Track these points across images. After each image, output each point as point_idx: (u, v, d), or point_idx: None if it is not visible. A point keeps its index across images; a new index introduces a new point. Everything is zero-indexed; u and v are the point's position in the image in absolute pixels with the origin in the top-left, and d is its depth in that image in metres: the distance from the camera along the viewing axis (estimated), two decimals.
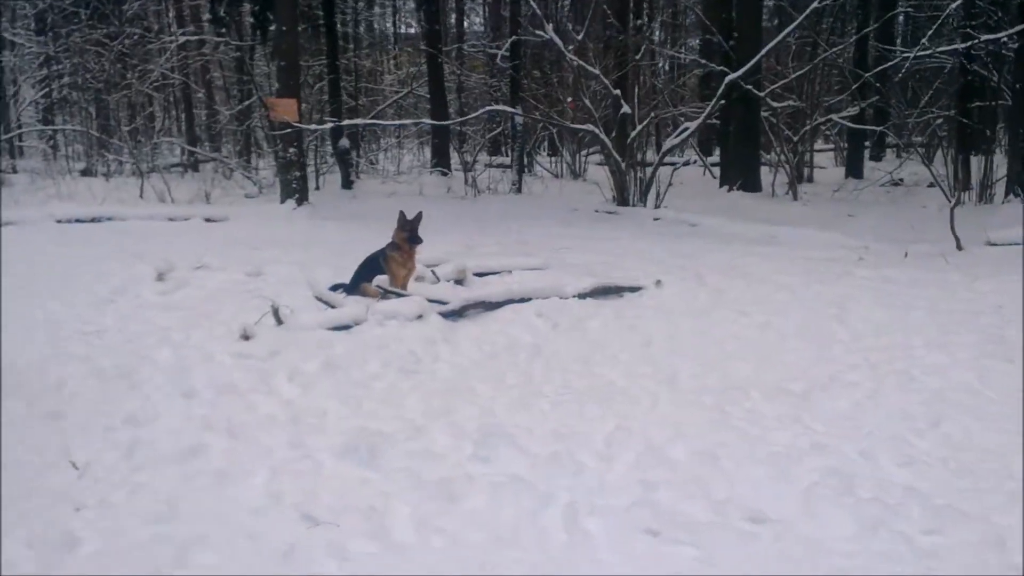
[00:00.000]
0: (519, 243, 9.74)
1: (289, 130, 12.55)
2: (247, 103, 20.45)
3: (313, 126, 15.32)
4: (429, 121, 16.76)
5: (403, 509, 3.11)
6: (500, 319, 5.87)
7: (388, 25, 34.60)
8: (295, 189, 12.78)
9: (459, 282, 6.94)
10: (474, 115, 17.94)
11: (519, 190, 16.91)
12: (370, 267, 6.35)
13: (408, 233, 6.18)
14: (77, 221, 11.02)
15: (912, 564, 2.76)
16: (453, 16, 29.94)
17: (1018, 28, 12.47)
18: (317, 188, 16.04)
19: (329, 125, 15.78)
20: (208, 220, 11.45)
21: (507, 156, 21.39)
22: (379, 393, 4.37)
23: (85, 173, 19.66)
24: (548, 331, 5.68)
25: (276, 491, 3.25)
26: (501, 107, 17.41)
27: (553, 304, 6.15)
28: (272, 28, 14.47)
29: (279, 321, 5.25)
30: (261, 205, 13.42)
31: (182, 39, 21.08)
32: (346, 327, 5.35)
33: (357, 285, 6.27)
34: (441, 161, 20.26)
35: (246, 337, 5.01)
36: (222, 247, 8.62)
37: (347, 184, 17.15)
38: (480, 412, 4.11)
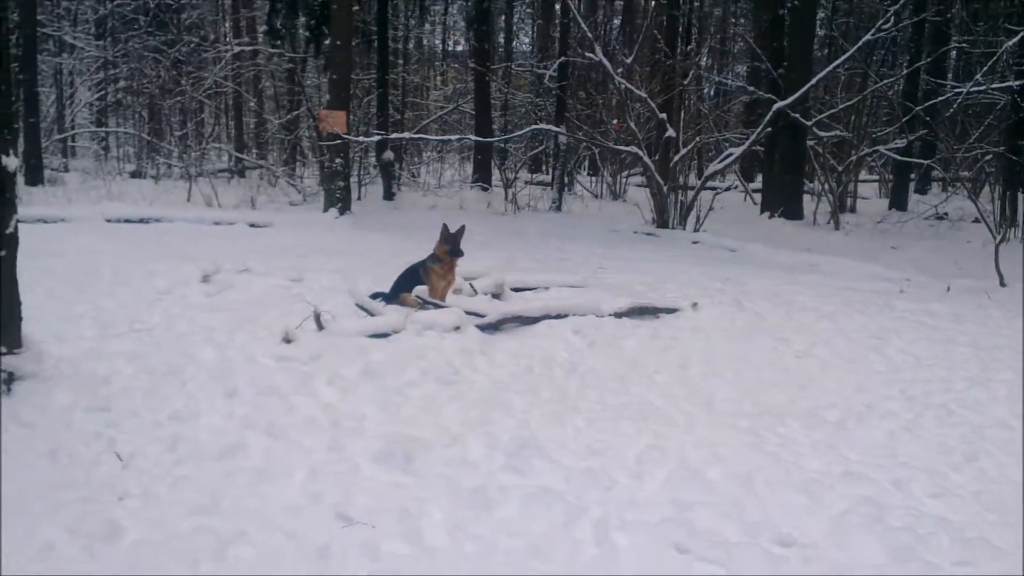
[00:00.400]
0: (557, 260, 9.80)
1: (337, 141, 12.78)
2: (296, 113, 20.85)
3: (361, 138, 15.59)
4: (474, 137, 16.93)
5: (437, 514, 3.17)
6: (536, 334, 5.92)
7: (437, 42, 35.10)
8: (338, 198, 12.99)
9: (497, 296, 7.00)
10: (519, 133, 18.10)
11: (559, 208, 16.99)
12: (410, 277, 6.45)
13: (450, 246, 6.28)
14: (126, 221, 11.31)
15: None
16: (502, 35, 30.24)
17: None
18: (359, 198, 16.28)
19: (376, 138, 16.03)
20: (253, 225, 11.68)
21: (548, 174, 21.50)
22: (416, 400, 4.44)
23: (135, 175, 20.22)
24: (584, 348, 5.72)
25: (314, 491, 3.32)
26: (546, 126, 17.53)
27: (589, 322, 6.19)
28: (327, 42, 14.76)
29: (320, 326, 5.35)
30: (304, 213, 13.65)
31: (237, 49, 21.58)
32: (385, 335, 5.44)
33: (397, 294, 6.37)
34: (482, 176, 20.44)
35: (288, 341, 5.12)
36: (266, 252, 8.80)
37: (389, 196, 17.38)
38: (515, 424, 4.16)
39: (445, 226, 6.36)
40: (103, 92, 26.43)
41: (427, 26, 31.31)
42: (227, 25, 26.36)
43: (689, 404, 4.75)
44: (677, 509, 3.34)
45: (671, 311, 6.76)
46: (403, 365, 4.90)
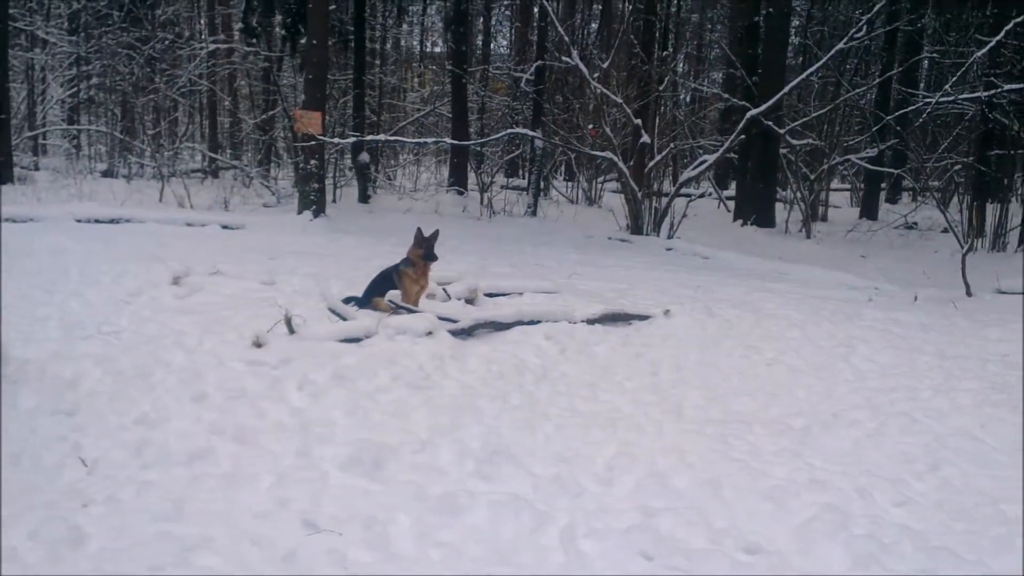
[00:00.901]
0: (531, 266, 9.82)
1: (312, 142, 12.72)
2: (271, 113, 20.72)
3: (336, 140, 15.52)
4: (450, 140, 16.90)
5: (404, 521, 3.18)
6: (509, 340, 5.94)
7: (415, 43, 35.04)
8: (313, 201, 12.93)
9: (470, 301, 7.01)
10: (495, 137, 18.09)
11: (534, 213, 17.03)
12: (383, 282, 6.44)
13: (424, 250, 6.26)
14: (96, 221, 11.17)
15: None
16: (480, 37, 30.25)
17: None
18: (334, 201, 16.21)
19: (352, 139, 15.97)
20: (225, 227, 11.58)
21: (524, 179, 21.54)
22: (386, 406, 4.44)
23: (106, 174, 19.97)
24: (556, 354, 5.74)
25: (281, 497, 3.31)
26: (522, 130, 17.56)
27: (562, 328, 6.21)
28: (303, 41, 14.68)
29: (291, 330, 5.33)
30: (278, 215, 13.57)
31: (212, 47, 21.40)
32: (357, 340, 5.42)
33: (369, 299, 6.35)
34: (458, 180, 20.42)
35: (258, 344, 5.09)
36: (238, 254, 8.73)
37: (364, 198, 17.32)
38: (485, 431, 4.17)
39: (419, 230, 6.35)
40: (75, 89, 26.08)
41: (405, 27, 31.25)
42: (202, 22, 26.17)
43: (659, 411, 4.79)
44: (644, 516, 3.37)
45: (643, 318, 6.80)
46: (374, 370, 4.89)
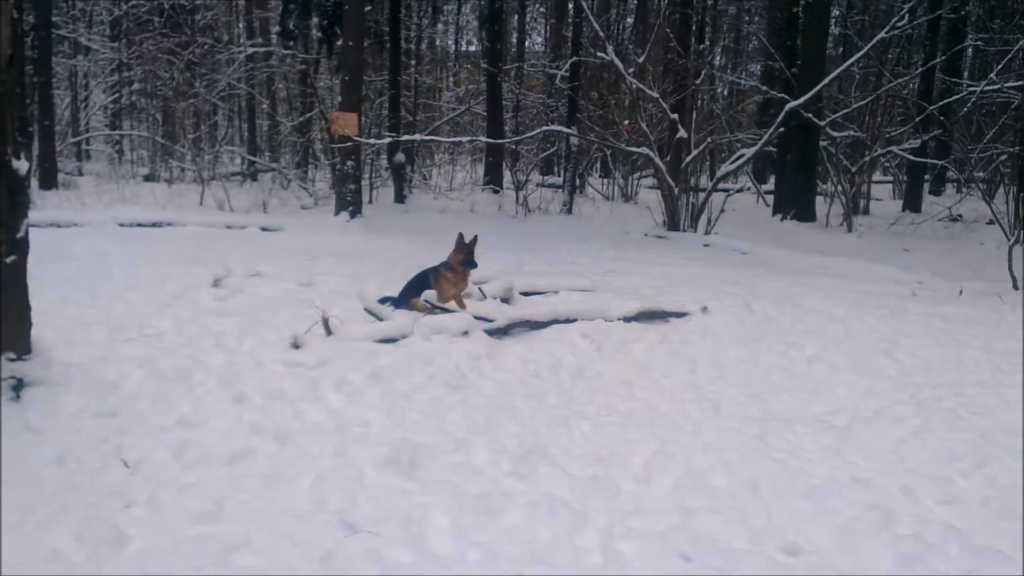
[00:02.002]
0: (568, 264, 9.78)
1: (349, 143, 12.81)
2: (308, 115, 20.93)
3: (372, 140, 15.61)
4: (485, 139, 16.90)
5: (441, 521, 3.18)
6: (544, 339, 5.92)
7: (450, 42, 35.15)
8: (349, 202, 13.02)
9: (505, 300, 6.99)
10: (530, 135, 18.06)
11: (570, 211, 16.98)
12: (420, 282, 6.46)
13: (464, 256, 6.29)
14: (139, 225, 11.37)
15: None
16: (515, 35, 30.23)
17: None
18: (370, 201, 16.31)
19: (388, 140, 16.06)
20: (264, 229, 11.72)
21: (559, 176, 21.48)
22: (423, 406, 4.45)
23: (148, 178, 20.36)
24: (592, 352, 5.71)
25: (319, 497, 3.33)
26: (557, 127, 17.50)
27: (598, 326, 6.18)
28: (339, 43, 14.80)
29: (329, 331, 5.37)
30: (316, 216, 13.70)
31: (250, 50, 21.67)
32: (393, 340, 5.44)
33: (406, 299, 6.38)
34: (494, 179, 20.44)
35: (296, 346, 5.14)
36: (277, 256, 8.83)
37: (400, 198, 17.42)
38: (521, 430, 4.16)
39: (461, 236, 6.36)
40: (117, 95, 26.64)
41: (440, 26, 31.38)
42: (240, 26, 26.48)
43: (697, 409, 4.74)
44: (683, 516, 3.34)
45: (680, 315, 6.73)
46: (410, 370, 4.91)
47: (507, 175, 20.41)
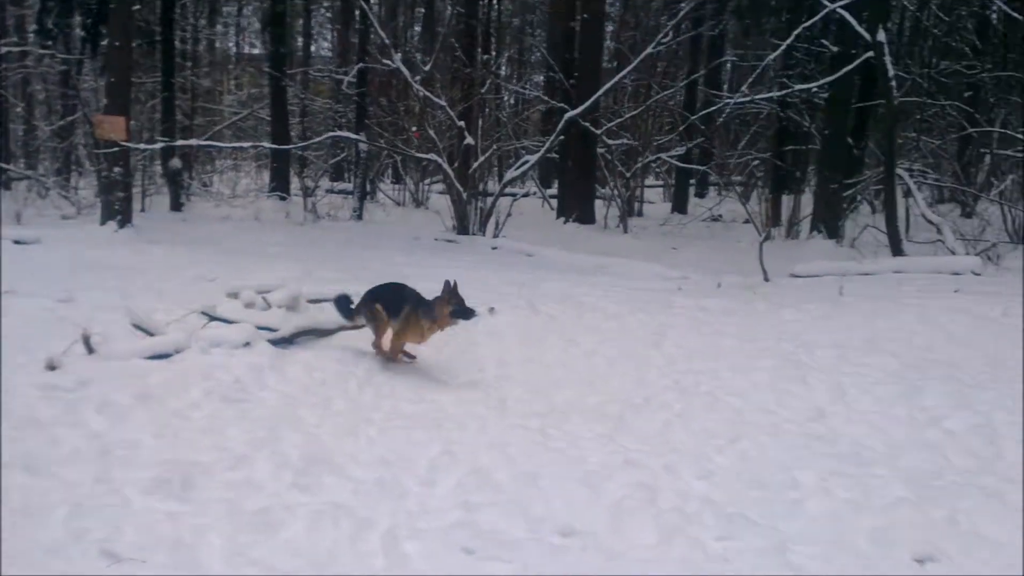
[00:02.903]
0: (358, 270, 9.66)
1: (116, 148, 11.89)
2: (70, 119, 19.22)
3: (143, 145, 14.61)
4: (269, 145, 16.39)
5: (215, 541, 3.04)
6: (333, 346, 5.82)
7: (231, 44, 33.58)
8: (117, 210, 12.08)
9: (292, 309, 6.80)
10: (316, 140, 17.71)
11: (360, 217, 16.81)
12: (396, 298, 5.64)
13: (455, 307, 5.44)
14: None
15: (704, 567, 2.99)
16: (300, 39, 29.45)
17: (827, 79, 13.76)
18: (143, 210, 15.25)
19: (160, 145, 15.08)
20: (17, 242, 10.59)
21: (350, 182, 21.20)
22: (199, 423, 4.23)
23: None
24: (381, 358, 5.69)
25: (77, 528, 3.07)
26: (345, 134, 17.28)
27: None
28: (104, 42, 13.69)
29: (90, 350, 4.96)
30: (79, 227, 12.57)
31: (3, 50, 19.52)
32: (166, 355, 5.11)
33: (362, 306, 5.73)
34: (280, 185, 19.80)
35: (52, 367, 4.70)
36: (32, 271, 8.02)
37: (176, 206, 16.43)
38: (305, 440, 4.07)
39: (452, 284, 5.48)
40: None
41: (219, 27, 29.90)
42: None
43: (483, 408, 4.87)
44: (466, 512, 3.41)
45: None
46: (185, 386, 4.64)
47: (295, 181, 19.85)
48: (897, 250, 11.27)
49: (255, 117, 24.42)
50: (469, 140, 14.83)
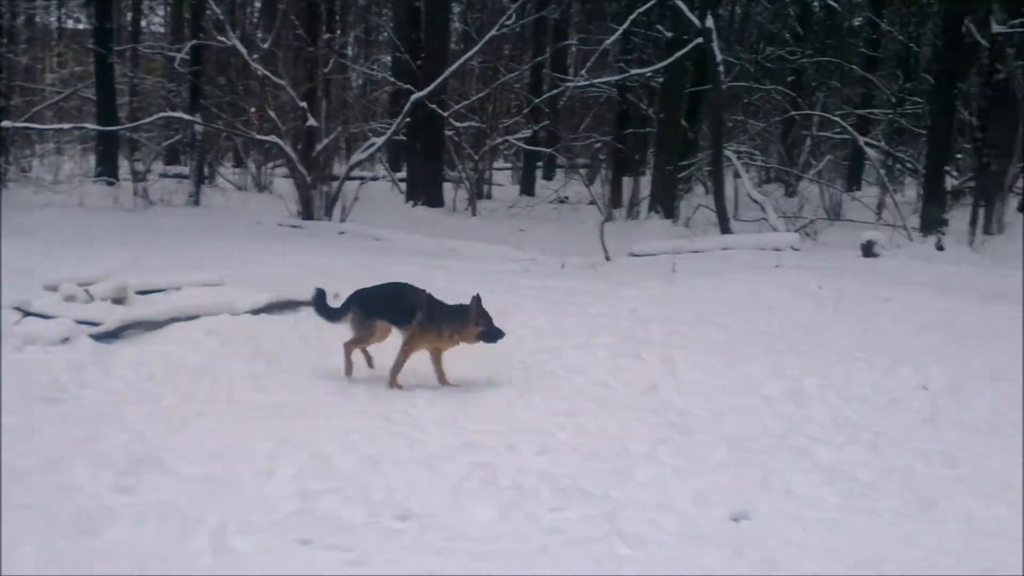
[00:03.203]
0: (194, 258, 9.23)
1: None
2: None
3: None
4: (94, 126, 15.28)
5: (26, 551, 2.84)
6: (163, 339, 5.59)
7: (52, 19, 30.97)
8: None
9: (118, 301, 6.40)
10: (146, 121, 16.70)
11: (197, 202, 16.05)
12: (397, 301, 5.15)
13: (484, 328, 4.97)
14: None
15: (538, 539, 3.08)
16: (128, 14, 27.57)
17: (661, 64, 14.33)
18: None
19: None
20: None
21: (186, 166, 20.14)
22: (10, 427, 3.92)
23: None
24: (216, 349, 5.49)
25: None
26: (178, 114, 16.38)
27: (224, 321, 5.95)
28: None
29: None
30: None
31: None
32: None
33: (351, 307, 5.19)
34: (108, 170, 18.52)
35: None
36: None
37: None
38: (129, 438, 3.87)
39: (479, 300, 5.05)
40: None
41: (38, 1, 27.51)
42: None
43: (325, 395, 4.81)
44: (304, 501, 3.35)
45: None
46: None
47: (125, 165, 18.66)
48: (725, 228, 11.97)
49: (79, 97, 22.69)
50: (312, 122, 14.43)
